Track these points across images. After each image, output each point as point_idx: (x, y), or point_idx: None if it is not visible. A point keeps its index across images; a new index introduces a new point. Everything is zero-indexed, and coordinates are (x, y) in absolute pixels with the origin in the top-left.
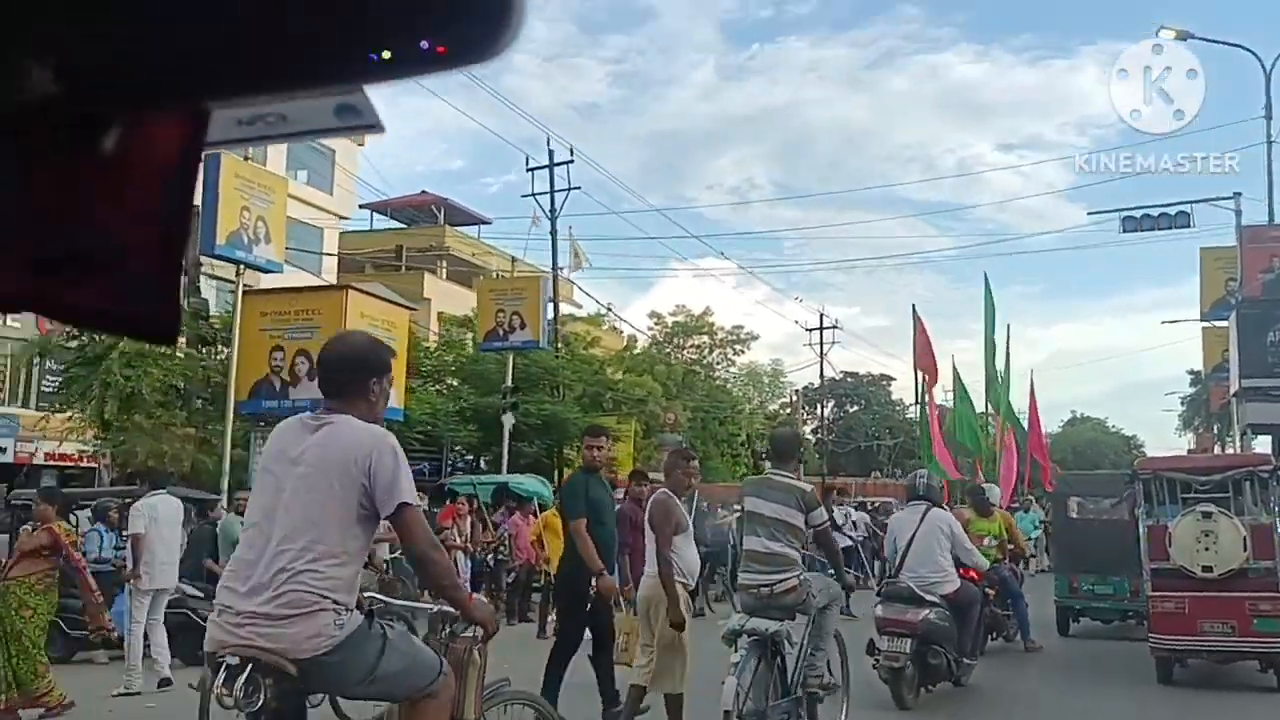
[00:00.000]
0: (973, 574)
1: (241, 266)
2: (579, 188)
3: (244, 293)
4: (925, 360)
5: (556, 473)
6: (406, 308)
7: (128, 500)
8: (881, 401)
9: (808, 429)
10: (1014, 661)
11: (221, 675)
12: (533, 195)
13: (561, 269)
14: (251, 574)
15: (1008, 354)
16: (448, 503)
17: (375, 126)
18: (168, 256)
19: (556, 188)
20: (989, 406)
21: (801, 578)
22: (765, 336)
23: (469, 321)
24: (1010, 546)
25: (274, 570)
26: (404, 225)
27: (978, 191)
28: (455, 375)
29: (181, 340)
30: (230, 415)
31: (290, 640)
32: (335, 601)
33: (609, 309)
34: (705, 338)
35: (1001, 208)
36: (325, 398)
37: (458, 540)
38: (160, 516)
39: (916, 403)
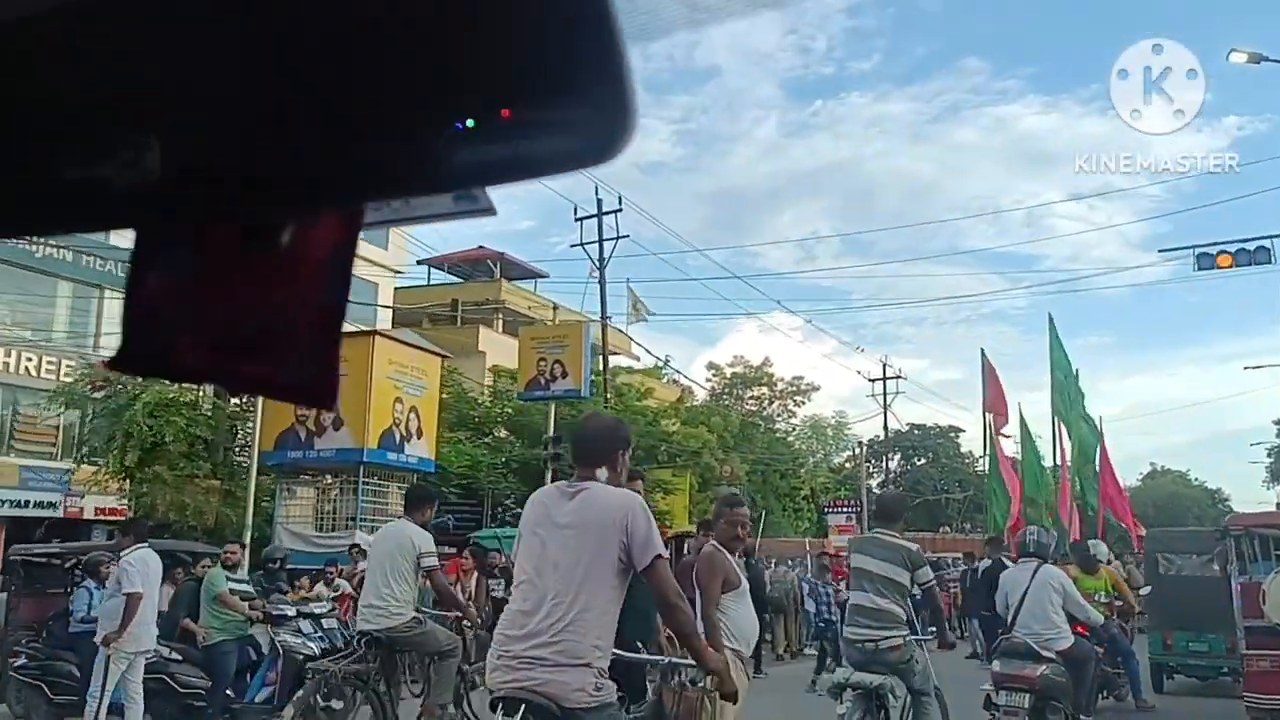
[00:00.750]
0: (1083, 630)
1: None
2: (627, 236)
3: None
4: (995, 402)
5: None
6: (438, 354)
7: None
8: (949, 454)
9: (873, 482)
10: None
11: (501, 710)
12: (581, 245)
13: (610, 318)
14: (528, 623)
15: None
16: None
17: (489, 211)
18: (328, 334)
19: (605, 236)
20: (1062, 457)
21: (907, 637)
22: (833, 390)
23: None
24: (1119, 603)
25: (550, 620)
26: (460, 280)
27: (1047, 242)
28: (503, 426)
29: (208, 389)
30: (255, 467)
31: (559, 687)
32: (599, 656)
33: (666, 361)
34: (764, 389)
35: (1073, 258)
36: (580, 467)
37: (460, 596)
38: (150, 571)
39: (985, 450)
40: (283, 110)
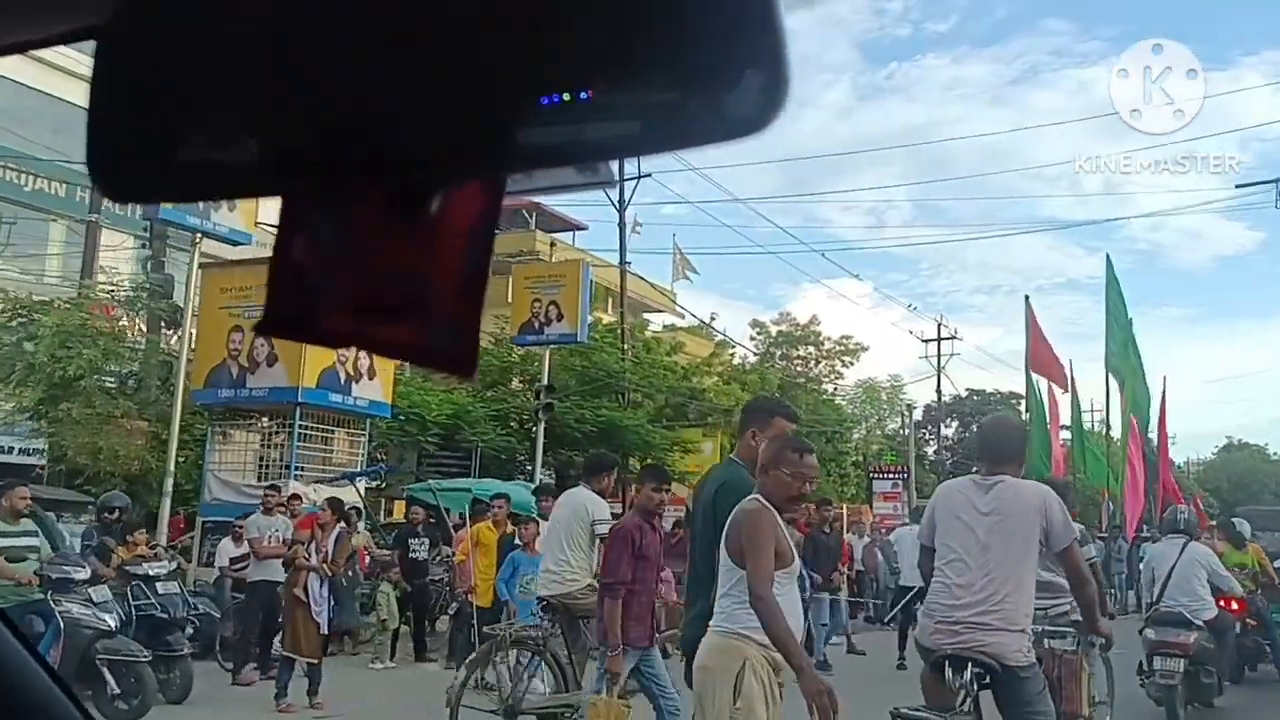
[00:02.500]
0: (1231, 603)
1: (198, 235)
2: (649, 175)
3: (204, 266)
4: (1044, 362)
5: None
6: None
7: None
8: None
9: (929, 449)
10: (1275, 690)
11: (949, 666)
12: (600, 185)
13: (630, 263)
14: (965, 595)
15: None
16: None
17: (611, 182)
18: (470, 303)
19: (625, 176)
20: (1120, 417)
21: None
22: (900, 360)
23: None
24: (1264, 579)
25: (989, 593)
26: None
27: (1128, 209)
28: (517, 377)
29: (140, 323)
30: (178, 406)
31: (999, 648)
32: (1028, 622)
33: (712, 319)
34: (811, 349)
35: (1154, 226)
36: (988, 462)
37: (311, 559)
38: None
39: (1027, 411)
40: (426, 79)
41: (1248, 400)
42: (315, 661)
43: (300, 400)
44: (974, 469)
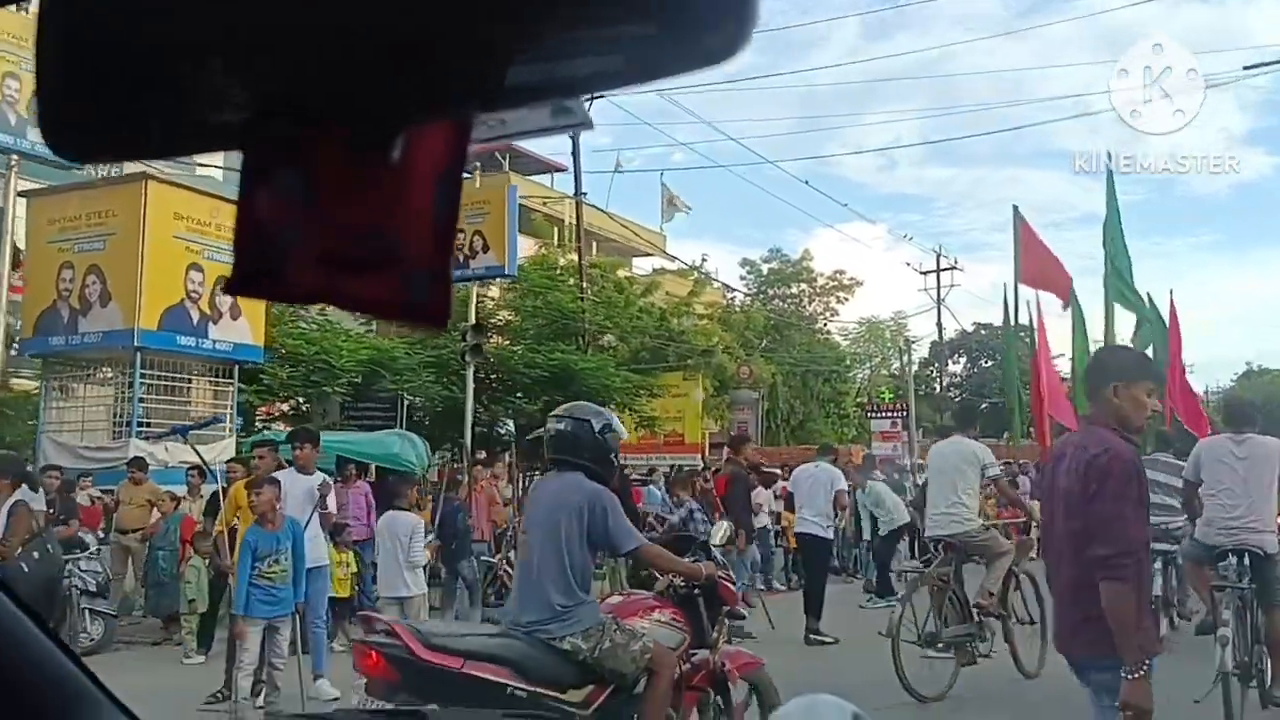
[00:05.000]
0: None
1: (14, 157)
2: (601, 95)
3: (28, 194)
4: (1045, 272)
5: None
6: None
7: None
8: (1020, 355)
9: (937, 386)
10: None
11: (1232, 556)
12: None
13: (586, 194)
14: (1235, 511)
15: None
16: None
17: (586, 124)
18: (440, 252)
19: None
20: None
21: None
22: (907, 299)
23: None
24: None
25: (1255, 506)
26: (467, 173)
27: (1144, 139)
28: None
29: None
30: None
31: (1261, 540)
32: (1275, 527)
33: (703, 261)
34: (805, 286)
35: (1171, 155)
36: (1235, 425)
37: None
38: None
39: (1012, 324)
40: (387, 16)
41: (1267, 326)
42: None
43: (138, 345)
44: (1221, 432)
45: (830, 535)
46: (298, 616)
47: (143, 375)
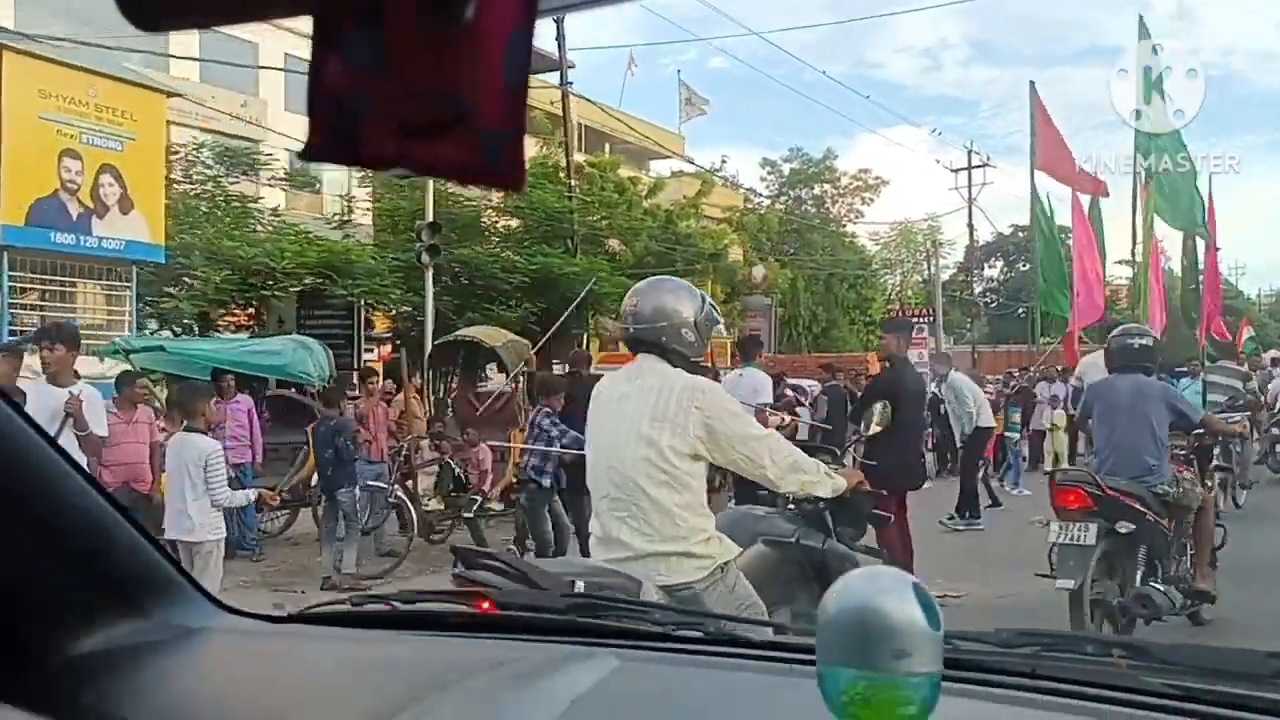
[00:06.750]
0: None
1: None
2: None
3: None
4: (1050, 154)
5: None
6: (156, 90)
7: None
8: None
9: (976, 290)
10: None
11: None
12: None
13: (571, 85)
14: None
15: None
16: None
17: None
18: (513, 113)
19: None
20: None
21: None
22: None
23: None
24: None
25: None
26: None
27: (1198, 37)
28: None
29: None
30: None
31: None
32: None
33: (723, 163)
34: (828, 186)
35: (1227, 52)
36: None
37: None
38: None
39: (1033, 220)
40: None
41: None
42: None
43: (2, 243)
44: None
45: None
46: None
47: (11, 278)
